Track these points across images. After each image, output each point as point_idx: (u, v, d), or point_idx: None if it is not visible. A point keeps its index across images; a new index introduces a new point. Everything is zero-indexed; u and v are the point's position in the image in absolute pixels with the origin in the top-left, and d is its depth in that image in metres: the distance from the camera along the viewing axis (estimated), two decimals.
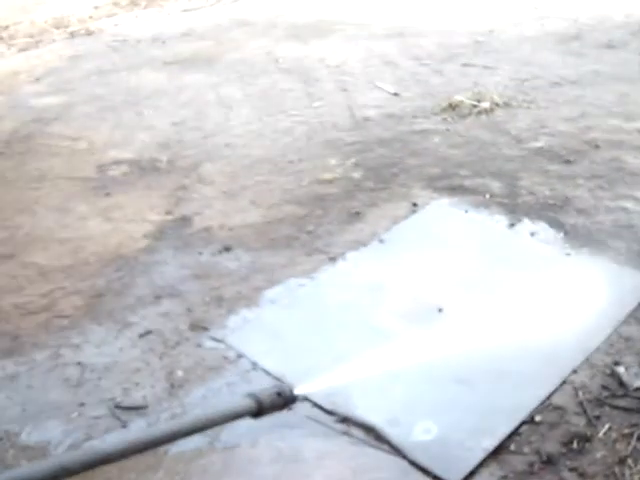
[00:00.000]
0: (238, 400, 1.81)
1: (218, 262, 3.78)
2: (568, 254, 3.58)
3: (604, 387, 2.82)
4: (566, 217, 3.84)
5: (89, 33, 7.86)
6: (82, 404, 3.01)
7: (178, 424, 1.69)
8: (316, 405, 2.86)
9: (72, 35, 7.83)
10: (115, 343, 3.32)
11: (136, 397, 3.01)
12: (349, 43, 6.64)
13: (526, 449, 2.62)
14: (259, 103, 5.57)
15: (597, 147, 4.46)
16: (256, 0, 8.47)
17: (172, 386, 3.04)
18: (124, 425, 2.88)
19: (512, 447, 2.63)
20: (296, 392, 1.84)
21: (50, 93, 6.12)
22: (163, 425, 1.77)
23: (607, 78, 5.41)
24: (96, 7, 8.63)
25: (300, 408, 2.86)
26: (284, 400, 1.82)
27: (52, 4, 8.87)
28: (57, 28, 8.05)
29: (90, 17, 8.32)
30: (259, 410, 1.76)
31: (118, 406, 2.98)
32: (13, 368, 3.25)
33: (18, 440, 2.89)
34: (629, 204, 3.90)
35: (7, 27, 8.15)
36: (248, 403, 1.76)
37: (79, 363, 3.23)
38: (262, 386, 2.91)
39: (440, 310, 3.29)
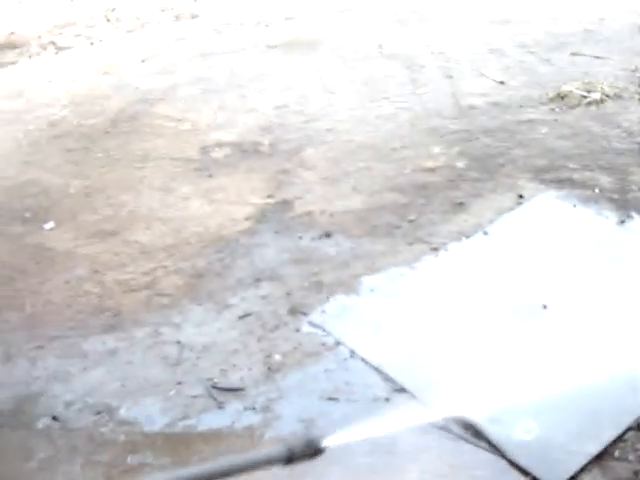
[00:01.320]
0: (269, 448, 1.94)
1: (318, 247, 3.76)
2: None
3: None
4: None
5: (193, 16, 7.94)
6: (180, 383, 3.05)
7: (204, 469, 1.75)
8: (414, 398, 2.82)
9: (177, 18, 7.93)
10: (214, 324, 3.35)
11: (233, 379, 3.03)
12: (454, 29, 6.51)
13: (631, 456, 2.53)
14: (362, 88, 5.51)
15: None
16: None
17: (269, 369, 3.05)
18: (220, 406, 2.91)
19: (616, 453, 2.54)
20: (325, 443, 1.89)
21: (155, 74, 6.20)
22: (188, 469, 1.82)
23: None
24: None
25: (397, 399, 2.84)
26: (314, 449, 1.86)
27: None
28: (162, 11, 8.16)
29: (195, 0, 8.41)
30: (289, 457, 1.82)
31: (215, 387, 3.01)
32: (114, 344, 3.31)
33: (117, 415, 2.94)
34: None
35: (114, 9, 8.31)
36: (279, 450, 1.82)
37: (178, 342, 3.27)
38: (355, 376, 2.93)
39: (544, 307, 3.20)
